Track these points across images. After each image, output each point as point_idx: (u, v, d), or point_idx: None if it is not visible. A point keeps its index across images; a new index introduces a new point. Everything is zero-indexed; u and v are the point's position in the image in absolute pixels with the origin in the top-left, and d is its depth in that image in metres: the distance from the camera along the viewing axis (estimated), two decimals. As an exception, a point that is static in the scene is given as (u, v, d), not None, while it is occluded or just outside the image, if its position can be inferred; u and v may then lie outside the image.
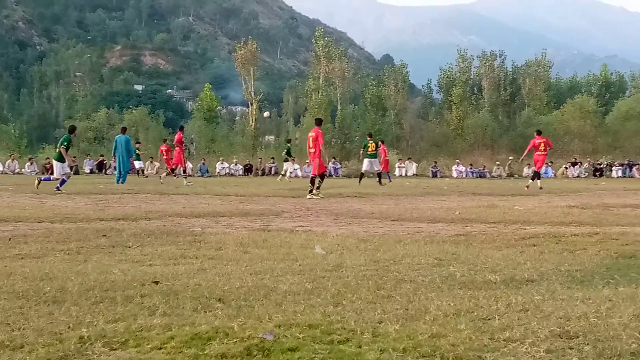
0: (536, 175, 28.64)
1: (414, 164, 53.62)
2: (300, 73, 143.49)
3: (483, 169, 53.26)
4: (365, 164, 32.55)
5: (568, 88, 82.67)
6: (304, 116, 69.00)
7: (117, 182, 29.45)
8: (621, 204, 18.22)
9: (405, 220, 13.50)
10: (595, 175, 50.81)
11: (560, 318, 4.65)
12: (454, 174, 51.40)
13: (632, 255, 8.17)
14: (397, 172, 50.42)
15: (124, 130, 33.29)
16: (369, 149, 32.24)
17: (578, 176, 49.84)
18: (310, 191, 21.39)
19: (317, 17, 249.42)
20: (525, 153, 29.67)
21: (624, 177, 50.15)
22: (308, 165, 39.51)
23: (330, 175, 47.22)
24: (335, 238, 9.93)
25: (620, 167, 52.40)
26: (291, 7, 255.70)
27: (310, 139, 22.05)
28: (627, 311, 4.82)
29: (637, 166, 51.85)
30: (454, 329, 4.37)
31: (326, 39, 70.59)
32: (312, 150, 21.93)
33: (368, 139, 32.63)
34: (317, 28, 76.64)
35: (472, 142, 66.14)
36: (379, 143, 34.59)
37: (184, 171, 32.26)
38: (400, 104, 71.40)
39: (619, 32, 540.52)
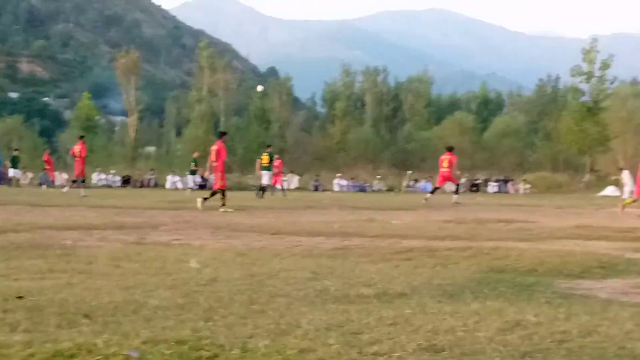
0: (455, 192, 29.36)
1: (296, 177, 53.79)
2: (183, 83, 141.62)
3: (364, 183, 53.91)
4: (263, 177, 32.78)
5: (448, 104, 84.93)
6: (186, 127, 68.30)
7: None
8: (495, 218, 18.73)
9: (285, 234, 13.49)
10: (472, 191, 52.22)
11: (429, 332, 4.71)
12: (336, 188, 51.82)
13: (502, 269, 8.39)
14: (278, 186, 50.43)
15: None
16: (263, 161, 32.31)
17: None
18: (210, 198, 21.34)
19: (201, 27, 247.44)
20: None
21: (500, 192, 51.70)
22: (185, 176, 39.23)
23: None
24: (211, 252, 9.81)
25: (496, 183, 54.03)
26: (175, 16, 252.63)
27: (214, 152, 21.93)
28: (493, 325, 4.92)
29: (511, 182, 53.61)
30: (324, 344, 4.35)
31: (210, 49, 70.24)
32: (215, 163, 21.82)
33: (268, 150, 32.94)
34: (201, 39, 76.12)
35: (354, 156, 66.95)
36: (275, 156, 34.70)
37: (83, 181, 31.28)
38: (284, 117, 71.76)
39: (499, 51, 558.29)
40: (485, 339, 4.53)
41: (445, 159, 28.07)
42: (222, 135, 23.23)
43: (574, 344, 4.48)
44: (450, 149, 29.02)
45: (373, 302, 5.93)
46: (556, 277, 7.95)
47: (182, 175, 39.44)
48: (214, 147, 22.15)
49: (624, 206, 22.71)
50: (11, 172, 41.61)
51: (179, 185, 46.56)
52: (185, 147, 63.11)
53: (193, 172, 39.44)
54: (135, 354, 4.01)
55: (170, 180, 49.22)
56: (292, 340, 4.44)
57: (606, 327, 4.89)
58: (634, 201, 22.67)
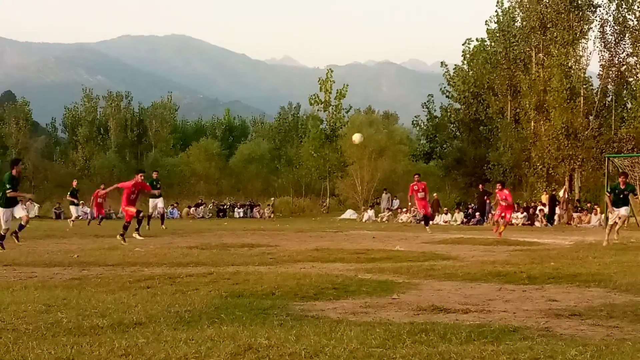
0: None
1: (36, 205, 51.48)
2: None
3: (109, 211, 52.61)
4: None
5: (194, 131, 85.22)
6: None
7: None
8: (239, 243, 19.00)
9: (19, 265, 12.95)
10: (219, 216, 52.41)
11: (161, 360, 4.70)
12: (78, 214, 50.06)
13: (241, 293, 8.52)
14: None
15: None
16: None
17: (203, 217, 51.09)
18: None
19: None
20: None
21: (246, 217, 52.29)
22: None
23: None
24: None
25: (242, 208, 54.67)
26: None
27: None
28: (226, 350, 4.99)
29: (257, 207, 54.48)
30: (49, 379, 4.22)
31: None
32: None
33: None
34: None
35: (99, 183, 64.98)
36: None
37: None
38: (22, 142, 68.49)
39: (241, 79, 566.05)
40: (216, 365, 4.59)
41: None
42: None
43: (300, 365, 4.64)
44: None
45: (107, 333, 5.82)
46: (292, 299, 8.21)
47: None
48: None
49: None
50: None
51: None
52: None
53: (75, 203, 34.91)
54: None
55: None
56: (16, 377, 4.27)
57: (332, 347, 5.11)
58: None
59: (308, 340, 5.36)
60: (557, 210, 38.61)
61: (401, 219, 43.73)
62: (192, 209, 52.64)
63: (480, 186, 42.96)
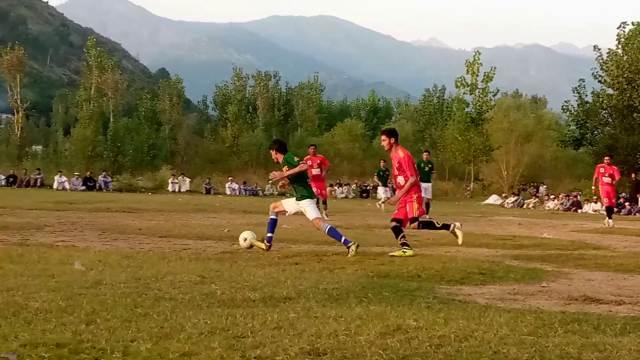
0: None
1: (188, 180, 53.25)
2: (71, 82, 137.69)
3: (256, 187, 53.83)
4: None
5: (338, 111, 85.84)
6: (74, 127, 66.38)
7: None
8: (382, 225, 18.95)
9: (173, 237, 13.42)
10: (362, 197, 52.71)
11: (312, 335, 4.77)
12: (227, 192, 51.51)
13: (387, 274, 8.55)
14: (170, 188, 49.91)
15: None
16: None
17: (346, 197, 51.51)
18: None
19: (89, 26, 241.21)
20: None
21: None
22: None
23: (101, 189, 45.93)
24: (97, 254, 9.67)
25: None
26: (62, 14, 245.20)
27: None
28: (375, 329, 5.02)
29: (399, 189, 54.36)
30: (207, 347, 4.37)
31: (99, 48, 68.39)
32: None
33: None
34: (89, 37, 74.12)
35: (247, 160, 66.72)
36: None
37: None
38: (175, 118, 70.96)
39: (387, 60, 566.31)
40: (366, 343, 4.63)
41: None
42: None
43: (450, 348, 4.62)
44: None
45: (259, 306, 5.96)
46: (438, 282, 8.16)
47: (71, 175, 37.88)
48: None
49: None
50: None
51: (67, 185, 45.28)
52: (73, 147, 61.52)
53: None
54: (12, 357, 3.94)
55: (58, 180, 47.53)
56: (175, 344, 4.43)
57: (482, 332, 5.05)
58: None
59: (457, 324, 5.32)
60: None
61: (548, 207, 42.68)
62: (335, 188, 53.08)
63: (633, 175, 41.33)
